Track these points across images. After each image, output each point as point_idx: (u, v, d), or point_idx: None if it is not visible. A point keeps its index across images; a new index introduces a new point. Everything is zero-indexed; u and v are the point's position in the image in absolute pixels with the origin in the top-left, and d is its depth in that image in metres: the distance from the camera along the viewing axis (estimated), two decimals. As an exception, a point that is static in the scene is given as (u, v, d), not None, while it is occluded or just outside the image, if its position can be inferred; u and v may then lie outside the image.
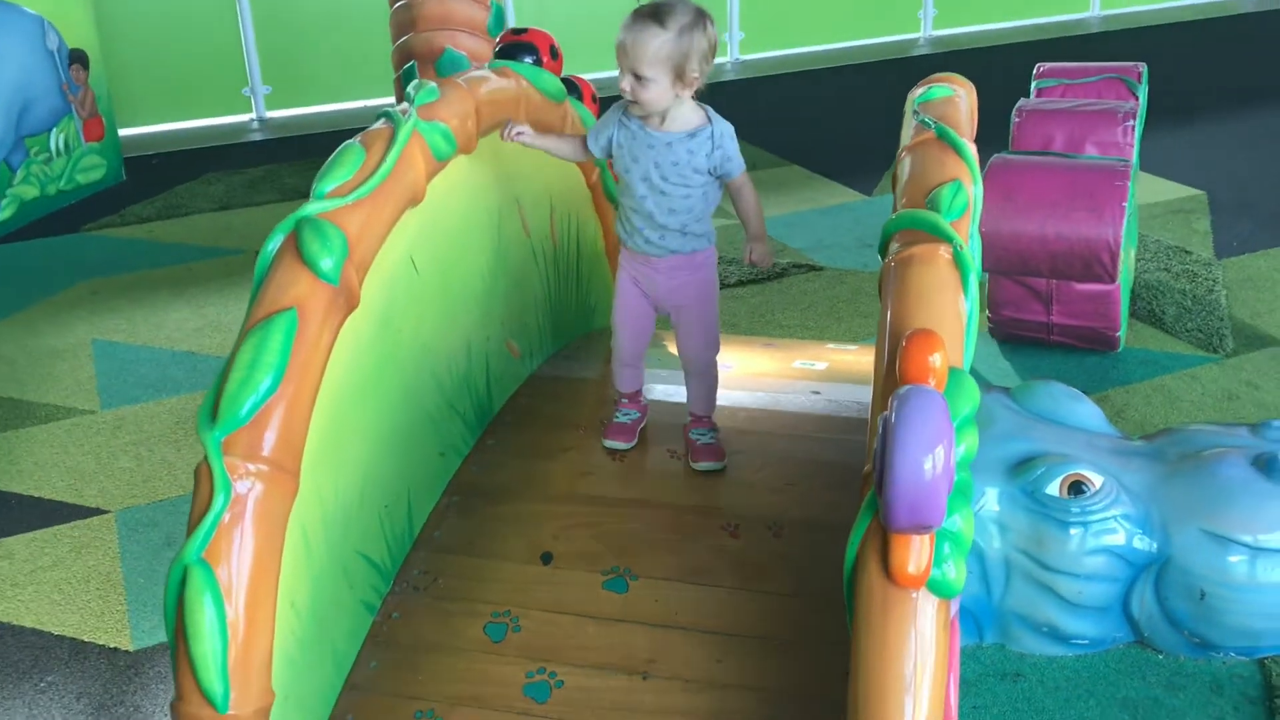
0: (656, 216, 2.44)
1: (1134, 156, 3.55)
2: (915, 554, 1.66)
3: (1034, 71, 4.30)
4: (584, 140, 2.57)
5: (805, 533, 2.51)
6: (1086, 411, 2.71)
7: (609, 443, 2.72)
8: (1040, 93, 4.15)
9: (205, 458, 1.93)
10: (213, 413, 1.95)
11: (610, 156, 2.50)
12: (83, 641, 2.69)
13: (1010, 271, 3.47)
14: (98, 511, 3.17)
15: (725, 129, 2.42)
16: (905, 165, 2.23)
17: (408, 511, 2.53)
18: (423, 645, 2.32)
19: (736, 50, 8.09)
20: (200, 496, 1.91)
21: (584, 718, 2.16)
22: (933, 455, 1.57)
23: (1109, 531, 2.46)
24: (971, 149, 2.19)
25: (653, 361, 2.95)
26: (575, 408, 2.96)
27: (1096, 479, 2.47)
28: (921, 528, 1.61)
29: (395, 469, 2.45)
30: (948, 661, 1.70)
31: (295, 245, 2.10)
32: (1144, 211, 5.00)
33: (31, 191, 5.34)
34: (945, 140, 2.20)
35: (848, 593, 1.78)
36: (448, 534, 2.57)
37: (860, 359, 3.32)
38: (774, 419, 2.90)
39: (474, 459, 2.78)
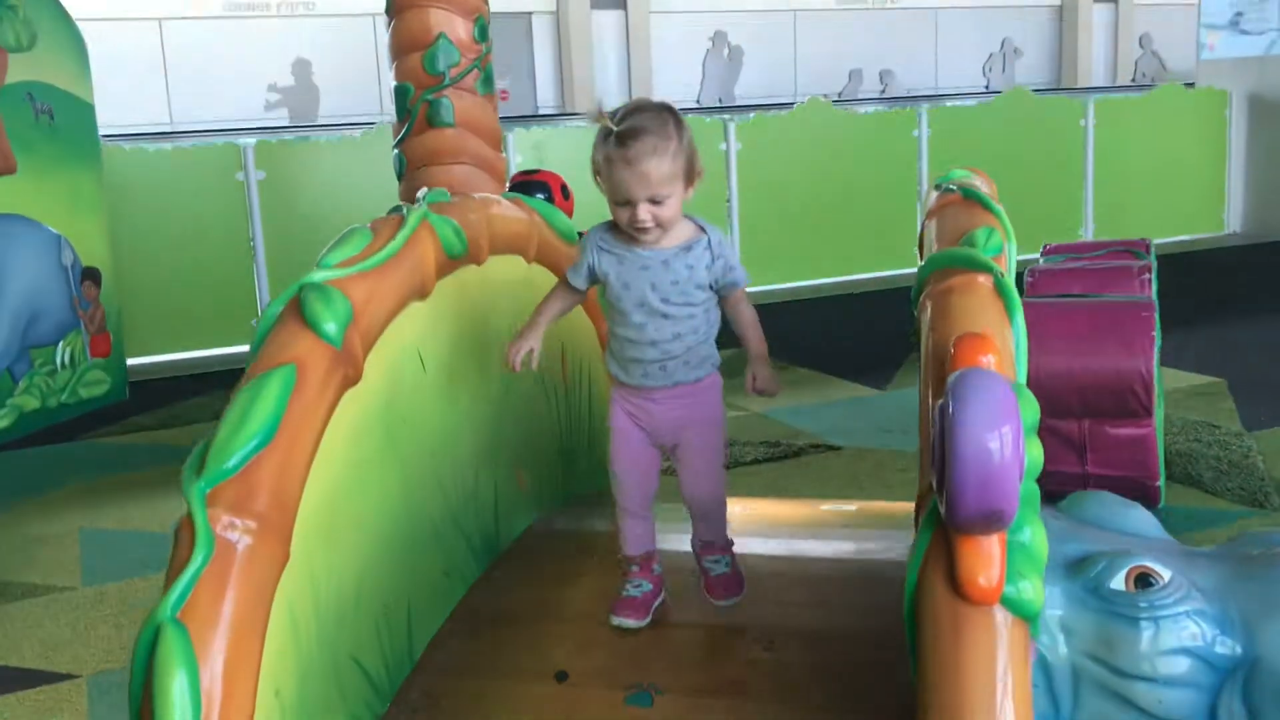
0: (661, 343, 2.19)
1: (1155, 301, 3.49)
2: (986, 561, 1.46)
3: (1040, 250, 4.31)
4: (565, 283, 2.30)
5: (846, 645, 2.27)
6: (1140, 517, 2.51)
7: (618, 620, 2.31)
8: (1048, 267, 4.14)
9: (187, 512, 1.75)
10: (199, 465, 1.79)
11: (596, 284, 2.26)
12: (37, 801, 2.38)
13: (1041, 412, 3.33)
14: (68, 677, 2.92)
15: (720, 235, 2.20)
16: (931, 227, 2.15)
17: (407, 629, 2.30)
18: (422, 765, 2.05)
19: (739, 283, 8.24)
20: (179, 553, 1.72)
21: (607, 837, 1.87)
22: (999, 432, 1.41)
23: (1184, 629, 2.21)
24: (1000, 208, 2.12)
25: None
26: (590, 540, 2.76)
27: (1164, 572, 2.25)
28: (993, 516, 1.42)
29: (395, 574, 2.24)
30: (1029, 689, 1.46)
31: (298, 309, 2.00)
32: (1166, 397, 4.90)
33: (32, 403, 5.26)
34: (972, 199, 2.13)
35: (909, 625, 1.56)
36: (450, 657, 2.33)
37: (892, 507, 3.14)
38: (806, 546, 2.70)
39: (481, 586, 2.56)
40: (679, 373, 2.23)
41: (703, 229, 2.18)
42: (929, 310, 1.86)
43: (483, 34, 3.11)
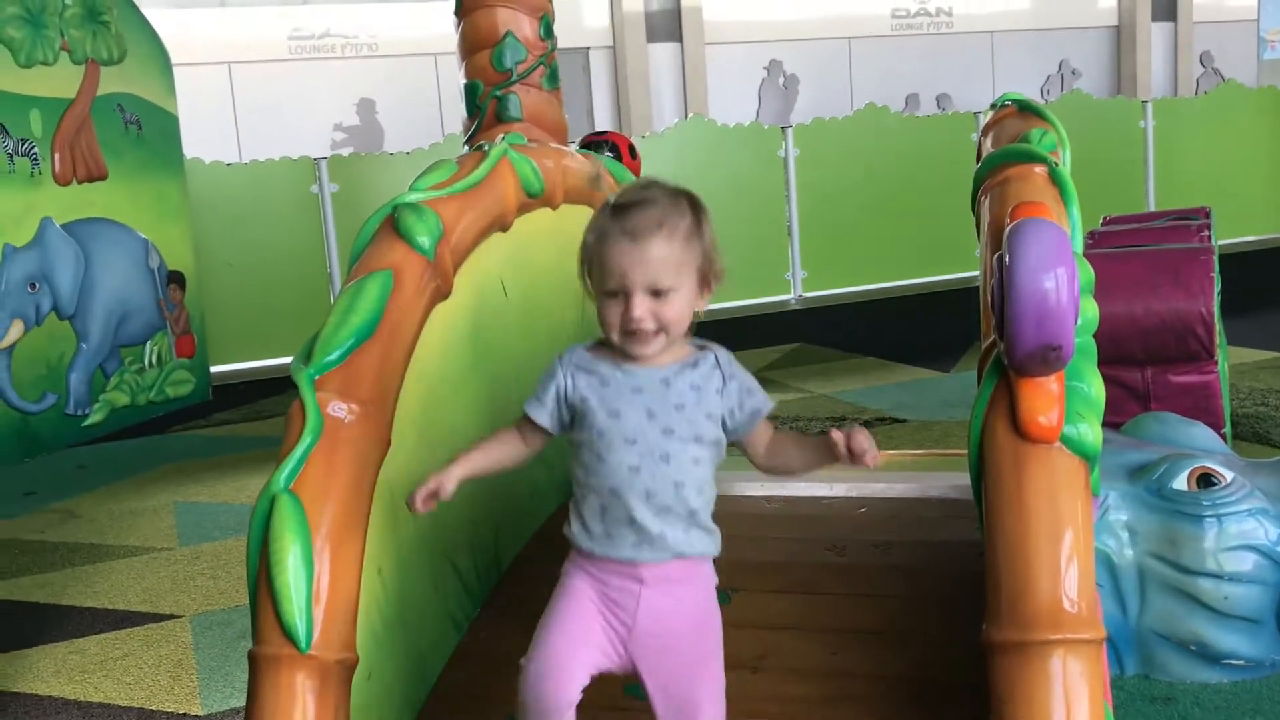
0: (658, 495, 1.65)
1: (1214, 247, 3.54)
2: (1046, 402, 1.55)
3: (1100, 221, 4.37)
4: (521, 427, 1.80)
5: (915, 550, 2.36)
6: (1202, 434, 2.58)
7: None
8: (1108, 236, 4.19)
9: (298, 397, 1.89)
10: (307, 355, 1.94)
11: (565, 428, 1.75)
12: (151, 710, 2.54)
13: (1104, 360, 3.39)
14: (172, 616, 3.08)
15: (728, 354, 1.72)
16: (987, 140, 2.25)
17: (494, 541, 2.42)
18: (514, 655, 2.14)
19: (800, 288, 8.33)
20: (291, 432, 1.85)
21: (691, 710, 1.97)
22: (1055, 274, 1.50)
23: (1248, 526, 2.27)
24: (1055, 120, 2.21)
25: None
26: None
27: (1226, 473, 2.31)
28: (1051, 353, 1.51)
29: (483, 485, 2.35)
30: (1091, 524, 1.54)
31: (393, 225, 2.15)
32: (1232, 372, 4.92)
33: (122, 399, 5.48)
34: (1028, 110, 2.23)
35: (973, 471, 1.65)
36: (536, 568, 2.45)
37: (958, 454, 3.21)
38: (873, 486, 2.78)
39: (560, 515, 2.68)
40: (678, 538, 1.68)
41: (705, 346, 1.73)
42: (986, 203, 1.96)
43: (548, 32, 3.24)
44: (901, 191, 8.60)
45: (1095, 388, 1.64)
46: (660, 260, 1.60)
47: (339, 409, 1.88)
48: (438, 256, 2.13)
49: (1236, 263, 8.43)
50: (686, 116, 19.68)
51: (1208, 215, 4.15)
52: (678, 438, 1.66)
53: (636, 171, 3.24)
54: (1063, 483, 1.55)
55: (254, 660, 1.75)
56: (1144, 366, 3.42)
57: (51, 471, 4.80)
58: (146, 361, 5.64)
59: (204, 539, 3.70)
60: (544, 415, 1.73)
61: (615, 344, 1.67)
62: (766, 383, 5.63)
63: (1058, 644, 1.46)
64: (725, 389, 1.69)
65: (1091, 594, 1.49)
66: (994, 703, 1.50)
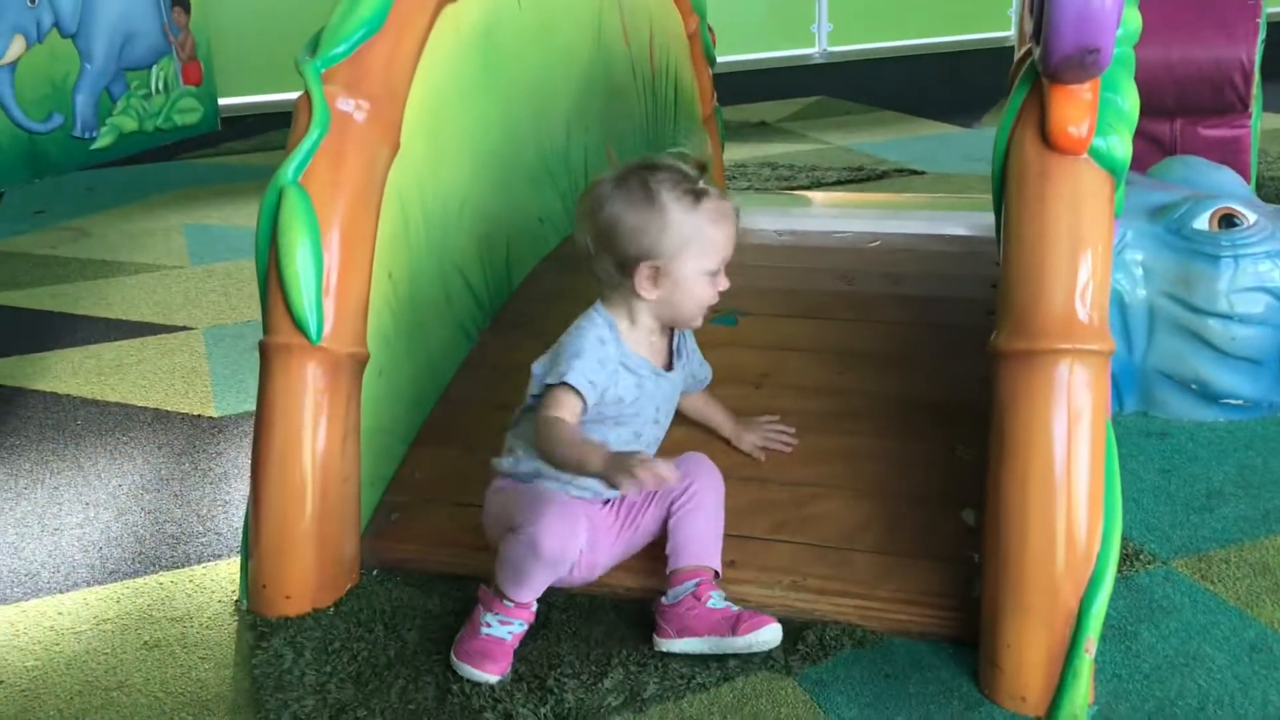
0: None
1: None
2: (1079, 111, 1.50)
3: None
4: (565, 402, 1.66)
5: (926, 282, 2.35)
6: (1228, 178, 2.53)
7: (469, 670, 1.61)
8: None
9: (305, 89, 1.84)
10: (313, 48, 1.88)
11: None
12: (167, 411, 2.61)
13: (1132, 109, 3.30)
14: (185, 328, 3.12)
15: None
16: None
17: (506, 259, 2.41)
18: (524, 365, 2.17)
19: (825, 41, 8.05)
20: (298, 125, 1.82)
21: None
22: (1100, -29, 1.42)
23: (1265, 268, 2.25)
24: None
25: None
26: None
27: (1250, 214, 2.28)
28: (1089, 56, 1.44)
29: (495, 203, 2.35)
30: (1110, 242, 1.52)
31: (400, -81, 2.04)
32: (1264, 136, 4.78)
33: (130, 124, 5.40)
34: None
35: (996, 183, 1.62)
36: (545, 288, 2.45)
37: (975, 199, 3.17)
38: (888, 224, 2.74)
39: (571, 240, 2.66)
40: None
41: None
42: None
43: None
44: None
45: (1129, 100, 1.58)
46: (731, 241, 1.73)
47: (347, 104, 1.83)
48: (449, -48, 2.04)
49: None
50: None
51: (1259, -34, 3.95)
52: (662, 424, 1.81)
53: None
54: (1087, 195, 1.51)
55: (265, 350, 1.78)
56: (1174, 118, 3.33)
57: (61, 192, 4.78)
58: (153, 87, 5.53)
59: (216, 259, 3.72)
60: (594, 396, 1.67)
61: (687, 320, 1.74)
62: (783, 133, 5.52)
63: (1066, 353, 1.46)
64: (684, 369, 1.83)
65: (1104, 308, 1.48)
66: (995, 410, 1.51)
